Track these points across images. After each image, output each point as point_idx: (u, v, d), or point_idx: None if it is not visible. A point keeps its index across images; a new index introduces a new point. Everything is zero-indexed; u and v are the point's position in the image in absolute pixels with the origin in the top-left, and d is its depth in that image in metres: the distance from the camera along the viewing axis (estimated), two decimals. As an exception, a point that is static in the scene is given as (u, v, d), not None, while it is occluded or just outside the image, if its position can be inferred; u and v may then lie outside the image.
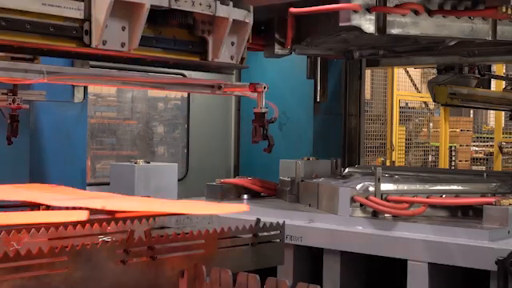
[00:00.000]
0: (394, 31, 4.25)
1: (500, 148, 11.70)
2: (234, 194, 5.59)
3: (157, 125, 8.15)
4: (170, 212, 3.02)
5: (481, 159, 14.16)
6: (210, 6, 2.73)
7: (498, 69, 10.81)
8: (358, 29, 4.18)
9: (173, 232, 3.62)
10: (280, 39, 4.95)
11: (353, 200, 4.50)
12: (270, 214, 4.63)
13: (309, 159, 6.17)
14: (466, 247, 3.89)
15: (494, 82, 9.30)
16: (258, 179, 5.83)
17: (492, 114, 14.05)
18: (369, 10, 4.19)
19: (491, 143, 13.07)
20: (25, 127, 5.39)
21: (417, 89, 15.37)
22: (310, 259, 4.60)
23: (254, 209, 5.02)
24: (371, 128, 10.46)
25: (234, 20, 2.82)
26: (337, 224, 4.49)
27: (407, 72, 14.12)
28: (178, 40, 2.84)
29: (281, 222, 3.74)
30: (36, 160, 5.61)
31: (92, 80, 3.12)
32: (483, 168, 13.01)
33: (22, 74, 2.67)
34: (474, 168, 13.22)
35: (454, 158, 12.93)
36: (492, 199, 4.32)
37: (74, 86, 5.84)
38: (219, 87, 3.23)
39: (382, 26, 4.23)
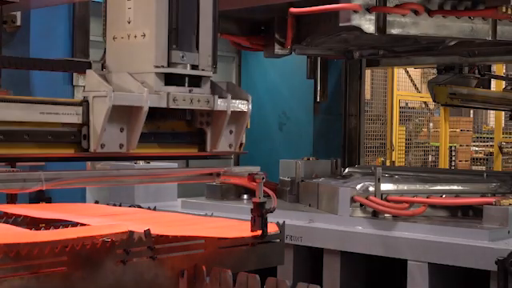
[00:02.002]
0: (394, 31, 4.24)
1: (500, 148, 11.70)
2: (233, 193, 5.59)
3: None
4: (213, 235, 3.07)
5: (481, 159, 14.16)
6: (208, 102, 2.75)
7: (498, 69, 10.81)
8: (358, 29, 4.18)
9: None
10: (280, 39, 4.95)
11: (353, 200, 4.50)
12: (270, 214, 4.62)
13: (309, 159, 6.16)
14: (466, 247, 3.89)
15: (493, 81, 9.30)
16: (258, 179, 5.82)
17: (492, 114, 14.06)
18: (369, 10, 4.19)
19: (491, 143, 13.07)
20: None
21: (417, 89, 15.37)
22: (310, 259, 4.60)
23: (254, 209, 5.02)
24: (371, 128, 10.46)
25: (232, 111, 2.85)
26: (337, 224, 4.49)
27: (407, 72, 14.12)
28: (176, 133, 2.86)
29: (281, 222, 3.74)
30: (36, 160, 5.60)
31: (91, 182, 3.15)
32: (483, 168, 13.00)
33: (21, 184, 2.68)
34: (474, 168, 13.22)
35: (453, 158, 12.92)
36: (492, 199, 4.32)
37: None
38: (218, 174, 3.26)
39: (381, 25, 4.23)
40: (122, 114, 2.54)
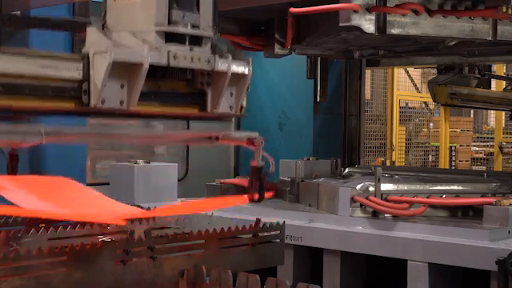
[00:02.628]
0: (394, 31, 4.24)
1: (500, 148, 11.69)
2: (233, 193, 5.58)
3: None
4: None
5: (481, 159, 14.16)
6: (208, 61, 2.76)
7: (498, 69, 10.80)
8: (358, 29, 4.18)
9: (173, 232, 3.62)
10: (280, 39, 4.95)
11: (353, 200, 4.50)
12: (270, 214, 4.62)
13: (309, 159, 6.16)
14: (465, 247, 3.89)
15: (494, 81, 9.29)
16: (258, 179, 5.82)
17: (492, 113, 14.05)
18: (369, 9, 4.18)
19: (491, 143, 13.07)
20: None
21: (417, 89, 15.37)
22: (310, 259, 4.59)
23: (254, 209, 5.02)
24: (371, 128, 10.46)
25: (232, 73, 2.85)
26: (337, 224, 4.49)
27: (407, 72, 14.12)
28: (177, 93, 2.86)
29: (281, 222, 3.74)
30: (36, 160, 5.61)
31: (91, 138, 3.14)
32: (483, 168, 13.00)
33: (21, 136, 2.68)
34: (474, 168, 13.21)
35: (454, 158, 12.92)
36: (492, 199, 4.32)
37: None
38: (217, 138, 3.27)
39: (382, 25, 4.23)
40: (122, 71, 2.54)
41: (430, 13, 4.31)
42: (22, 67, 2.46)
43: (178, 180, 6.24)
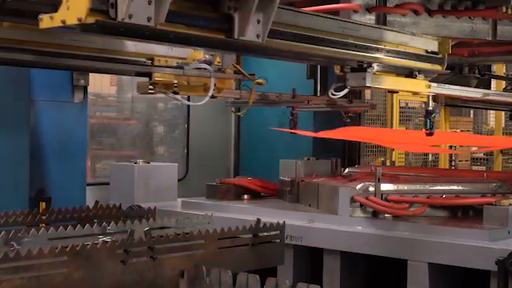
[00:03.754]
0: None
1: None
2: (233, 194, 5.58)
3: (157, 125, 8.15)
4: None
5: (481, 159, 14.15)
6: None
7: (498, 69, 10.80)
8: None
9: (173, 232, 3.63)
10: None
11: (353, 200, 4.50)
12: (270, 214, 4.62)
13: (309, 159, 6.17)
14: (465, 247, 3.89)
15: (493, 81, 9.29)
16: (258, 179, 5.83)
17: (492, 114, 14.04)
18: (369, 10, 4.18)
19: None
20: (25, 127, 5.39)
21: (417, 89, 15.33)
22: (310, 259, 4.59)
23: (253, 209, 5.02)
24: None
25: None
26: (337, 224, 4.49)
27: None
28: (204, 16, 2.79)
29: (281, 222, 3.74)
30: (36, 160, 5.61)
31: None
32: (483, 168, 12.98)
33: None
34: (474, 168, 13.20)
35: (453, 158, 12.91)
36: (492, 199, 4.32)
37: (74, 86, 5.84)
38: None
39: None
40: None
41: (430, 13, 4.31)
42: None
43: (178, 180, 6.25)
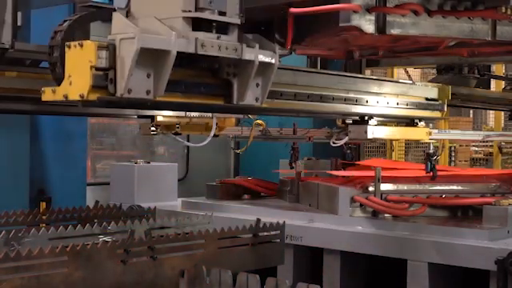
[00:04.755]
0: (394, 31, 4.24)
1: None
2: (233, 193, 5.59)
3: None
4: None
5: (480, 159, 14.16)
6: (236, 50, 2.69)
7: (498, 69, 10.80)
8: (358, 29, 4.18)
9: (173, 232, 3.63)
10: (280, 39, 4.94)
11: (353, 200, 4.50)
12: (270, 214, 4.63)
13: (309, 159, 6.17)
14: (465, 247, 3.89)
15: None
16: (258, 179, 5.83)
17: (492, 114, 14.04)
18: (369, 10, 4.18)
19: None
20: (25, 127, 5.40)
21: (417, 89, 15.32)
22: (310, 259, 4.60)
23: (253, 209, 5.02)
24: (371, 128, 10.48)
25: (259, 62, 2.79)
26: (337, 224, 4.49)
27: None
28: (203, 83, 2.80)
29: (281, 222, 3.74)
30: (36, 160, 5.61)
31: None
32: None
33: None
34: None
35: (453, 158, 12.92)
36: (492, 199, 4.32)
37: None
38: None
39: (381, 26, 4.23)
40: (149, 59, 2.46)
41: (430, 13, 4.31)
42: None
43: (178, 180, 6.25)
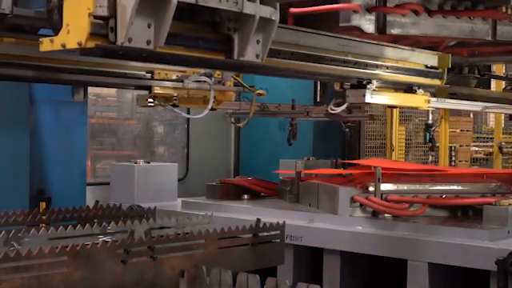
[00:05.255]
0: (394, 31, 4.23)
1: (500, 148, 11.67)
2: (233, 193, 5.59)
3: (157, 125, 8.15)
4: None
5: (481, 159, 14.15)
6: (236, 3, 2.67)
7: (498, 69, 10.80)
8: (358, 29, 4.18)
9: (173, 232, 3.63)
10: None
11: (353, 200, 4.50)
12: (270, 214, 4.63)
13: (309, 159, 6.17)
14: (465, 247, 3.89)
15: (493, 81, 9.28)
16: (258, 179, 5.83)
17: (492, 114, 14.04)
18: (369, 10, 4.18)
19: (491, 143, 13.05)
20: (25, 127, 5.40)
21: (417, 89, 15.30)
22: (310, 259, 4.60)
23: (254, 209, 5.02)
24: (371, 128, 10.46)
25: (260, 17, 2.77)
26: (337, 224, 4.50)
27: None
28: (203, 38, 2.79)
29: (281, 222, 3.74)
30: (36, 160, 5.61)
31: None
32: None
33: None
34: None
35: (453, 158, 12.91)
36: (492, 199, 4.32)
37: (74, 86, 5.84)
38: None
39: (381, 25, 4.22)
40: (149, 9, 2.45)
41: (430, 13, 4.31)
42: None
43: (178, 180, 6.25)
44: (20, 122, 5.36)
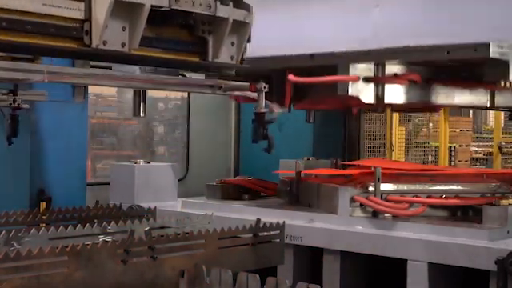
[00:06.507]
0: (393, 100, 4.27)
1: (499, 148, 11.68)
2: (233, 193, 5.59)
3: (157, 125, 8.15)
4: None
5: (480, 159, 14.16)
6: (210, 7, 2.72)
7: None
8: (356, 98, 4.20)
9: (173, 232, 3.63)
10: (278, 98, 4.82)
11: (353, 200, 4.50)
12: (270, 214, 4.63)
13: (309, 159, 6.16)
14: (465, 247, 3.89)
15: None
16: (258, 179, 5.83)
17: (492, 114, 14.05)
18: (367, 80, 4.19)
19: (491, 143, 13.06)
20: (25, 127, 5.39)
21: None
22: (310, 259, 4.60)
23: (254, 209, 5.03)
24: (371, 128, 10.45)
25: (234, 20, 2.81)
26: (337, 224, 4.49)
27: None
28: (178, 40, 2.82)
29: (281, 222, 3.74)
30: (36, 160, 5.61)
31: (93, 80, 3.11)
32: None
33: (24, 74, 2.66)
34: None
35: (453, 158, 12.91)
36: (492, 199, 4.32)
37: (74, 86, 5.84)
38: (219, 87, 3.23)
39: (380, 94, 4.24)
40: (124, 12, 2.51)
41: (428, 81, 4.33)
42: (24, 3, 2.43)
43: (178, 180, 6.25)
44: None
